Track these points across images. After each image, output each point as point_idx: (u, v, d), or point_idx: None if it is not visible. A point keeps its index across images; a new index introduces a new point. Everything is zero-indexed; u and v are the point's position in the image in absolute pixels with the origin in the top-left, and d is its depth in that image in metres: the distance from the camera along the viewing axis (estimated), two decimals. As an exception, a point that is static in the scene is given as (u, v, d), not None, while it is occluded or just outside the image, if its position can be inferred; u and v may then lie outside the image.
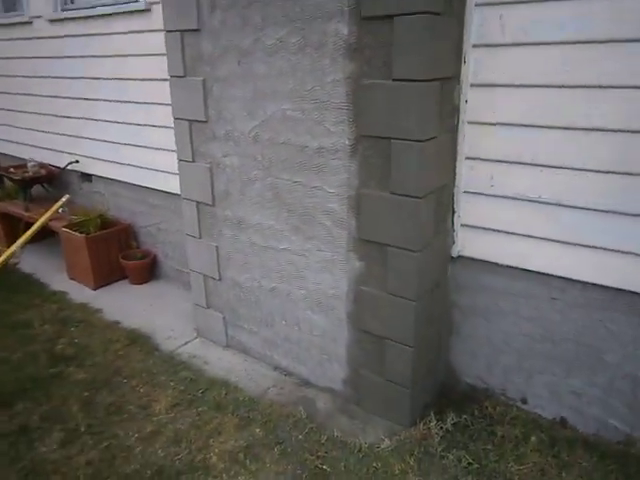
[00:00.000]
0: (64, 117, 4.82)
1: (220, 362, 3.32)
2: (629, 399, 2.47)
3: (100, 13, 4.05)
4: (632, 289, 2.34)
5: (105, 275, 4.37)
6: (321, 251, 2.74)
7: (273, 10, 2.51)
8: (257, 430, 2.71)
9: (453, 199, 2.67)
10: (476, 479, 2.37)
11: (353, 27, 2.28)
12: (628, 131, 2.17)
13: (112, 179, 4.62)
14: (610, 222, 2.31)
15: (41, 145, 5.21)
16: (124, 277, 4.46)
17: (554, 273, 2.52)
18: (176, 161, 3.79)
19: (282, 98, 2.61)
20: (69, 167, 4.84)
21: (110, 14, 3.97)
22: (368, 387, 2.80)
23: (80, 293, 4.28)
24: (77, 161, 4.78)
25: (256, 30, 2.60)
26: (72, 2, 4.46)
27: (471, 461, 2.44)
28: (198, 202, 3.24)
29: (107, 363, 3.34)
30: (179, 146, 3.22)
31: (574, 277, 2.47)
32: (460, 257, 2.77)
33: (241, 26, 2.66)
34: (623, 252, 2.31)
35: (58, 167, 4.98)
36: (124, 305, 4.07)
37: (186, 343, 3.55)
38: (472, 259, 2.74)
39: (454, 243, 2.75)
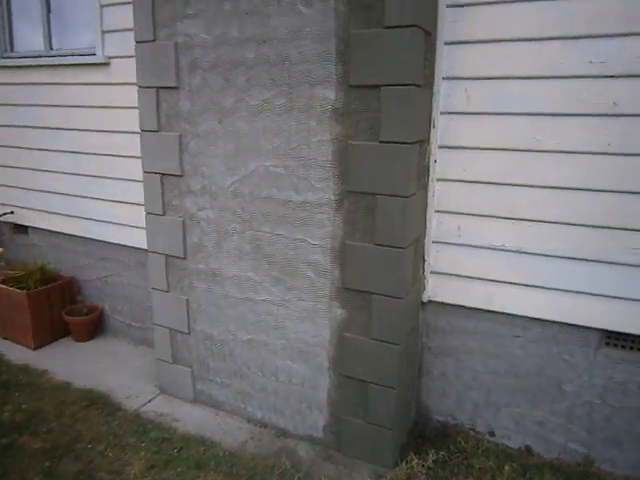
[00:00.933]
0: (-2, 166, 4.58)
1: (190, 418, 3.23)
2: (586, 423, 2.77)
3: (50, 63, 3.96)
4: (583, 324, 2.67)
5: (47, 333, 4.10)
6: (303, 301, 2.84)
7: (258, 73, 2.65)
8: (244, 485, 2.69)
9: (424, 248, 2.91)
10: (465, 512, 2.52)
11: (340, 93, 2.48)
12: (569, 188, 2.55)
13: (53, 231, 4.40)
14: (562, 266, 2.64)
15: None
16: (67, 334, 4.22)
17: (516, 313, 2.80)
18: (131, 213, 3.79)
19: (265, 155, 2.74)
20: (2, 218, 4.55)
21: (58, 65, 3.92)
22: (350, 432, 2.88)
23: (19, 354, 3.97)
24: (12, 212, 4.52)
25: (239, 91, 2.73)
26: (12, 50, 4.32)
27: (458, 495, 2.60)
28: (167, 255, 3.21)
29: (65, 428, 3.13)
30: (148, 199, 3.20)
31: (534, 315, 2.77)
32: (430, 302, 2.99)
33: (223, 86, 2.77)
34: (574, 292, 2.65)
35: (-13, 218, 4.67)
36: (72, 364, 3.83)
37: (150, 401, 3.42)
38: (442, 303, 2.97)
39: (425, 289, 2.97)
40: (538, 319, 2.76)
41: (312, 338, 2.86)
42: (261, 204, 2.81)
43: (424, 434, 3.07)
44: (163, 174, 3.10)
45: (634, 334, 2.62)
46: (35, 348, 4.04)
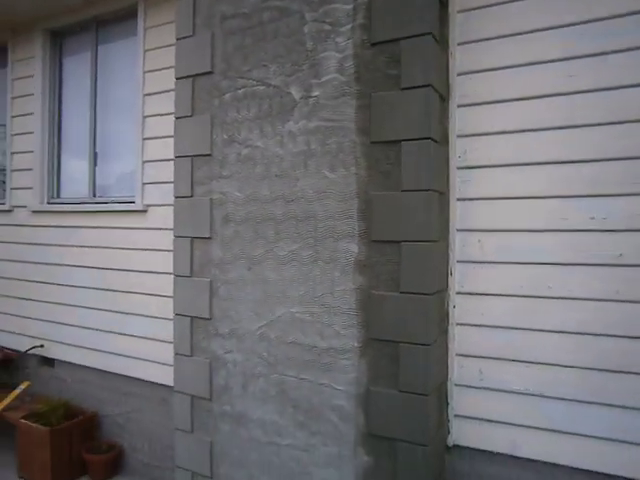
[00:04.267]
0: (32, 300, 4.80)
1: None
2: None
3: (91, 210, 4.35)
4: (611, 472, 2.60)
5: (65, 472, 4.04)
6: (327, 446, 2.83)
7: (287, 228, 2.90)
8: None
9: (447, 392, 2.94)
10: None
11: (363, 247, 2.69)
12: (584, 334, 2.63)
13: (79, 364, 4.50)
14: (584, 411, 2.64)
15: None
16: (84, 473, 4.14)
17: (542, 459, 2.75)
18: (157, 349, 3.92)
19: (292, 302, 2.90)
20: (30, 351, 4.69)
21: (100, 211, 4.30)
22: None
23: (35, 496, 3.91)
24: (42, 345, 4.66)
25: (268, 243, 2.96)
26: (58, 196, 4.75)
27: None
28: (193, 396, 3.27)
29: None
30: (177, 340, 3.33)
31: (560, 463, 2.71)
32: (456, 446, 2.96)
33: (254, 238, 3.01)
34: (599, 438, 2.62)
35: (16, 351, 4.80)
36: (88, 508, 3.75)
37: None
38: (467, 448, 2.93)
39: (449, 433, 2.96)
40: (565, 466, 2.70)
41: (337, 486, 2.82)
42: (287, 349, 2.92)
43: None
44: (193, 317, 3.25)
45: (666, 484, 2.55)
46: (52, 489, 3.97)
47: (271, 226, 2.95)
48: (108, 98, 4.54)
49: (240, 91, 3.05)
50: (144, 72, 4.09)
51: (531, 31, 2.74)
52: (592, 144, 2.60)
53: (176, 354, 3.36)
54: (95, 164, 4.48)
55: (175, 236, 3.33)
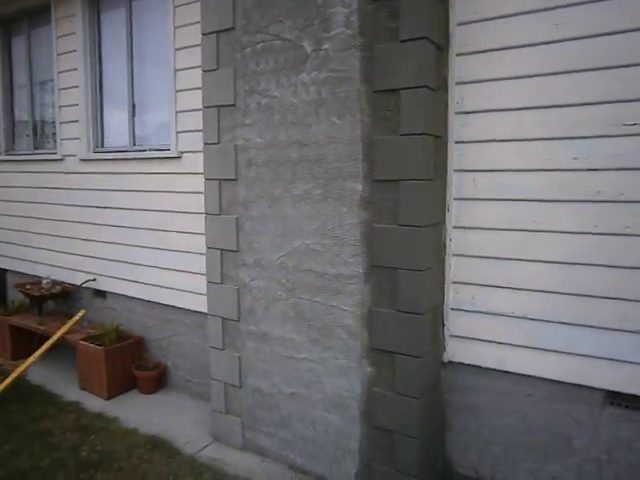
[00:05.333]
0: (84, 240, 5.38)
1: (240, 463, 3.66)
2: (596, 478, 3.01)
3: (132, 157, 4.81)
4: (588, 384, 2.97)
5: (118, 386, 4.69)
6: (337, 359, 3.29)
7: (301, 169, 3.27)
8: (285, 522, 3.06)
9: (443, 314, 3.33)
10: None
11: (366, 186, 3.04)
12: (567, 263, 2.94)
13: (127, 295, 5.10)
14: (564, 331, 2.99)
15: (58, 264, 5.73)
16: (134, 387, 4.79)
17: (526, 373, 3.14)
18: (192, 281, 4.42)
19: (306, 235, 3.30)
20: (85, 285, 5.31)
21: (140, 158, 4.75)
22: (380, 479, 3.23)
23: (94, 403, 4.56)
24: (94, 279, 5.27)
25: (286, 183, 3.34)
26: (102, 146, 5.23)
27: (474, 539, 2.87)
28: (224, 318, 3.78)
29: (133, 467, 3.62)
30: (209, 270, 3.81)
31: (542, 375, 3.09)
32: (450, 362, 3.38)
33: (273, 179, 3.39)
34: (577, 354, 2.97)
35: (73, 284, 5.43)
36: (139, 413, 4.37)
37: (204, 447, 3.88)
38: (460, 364, 3.35)
39: (445, 350, 3.37)
40: (546, 379, 3.09)
41: (345, 392, 3.29)
42: (302, 275, 3.35)
43: (448, 485, 3.37)
44: (222, 250, 3.71)
45: (636, 395, 2.89)
46: (108, 398, 4.62)
47: (288, 168, 3.32)
48: (143, 53, 4.90)
49: (259, 45, 3.37)
50: (175, 27, 4.41)
51: (527, -18, 2.93)
52: (576, 89, 2.83)
53: (209, 282, 3.85)
54: (134, 115, 4.91)
55: (205, 179, 3.75)
